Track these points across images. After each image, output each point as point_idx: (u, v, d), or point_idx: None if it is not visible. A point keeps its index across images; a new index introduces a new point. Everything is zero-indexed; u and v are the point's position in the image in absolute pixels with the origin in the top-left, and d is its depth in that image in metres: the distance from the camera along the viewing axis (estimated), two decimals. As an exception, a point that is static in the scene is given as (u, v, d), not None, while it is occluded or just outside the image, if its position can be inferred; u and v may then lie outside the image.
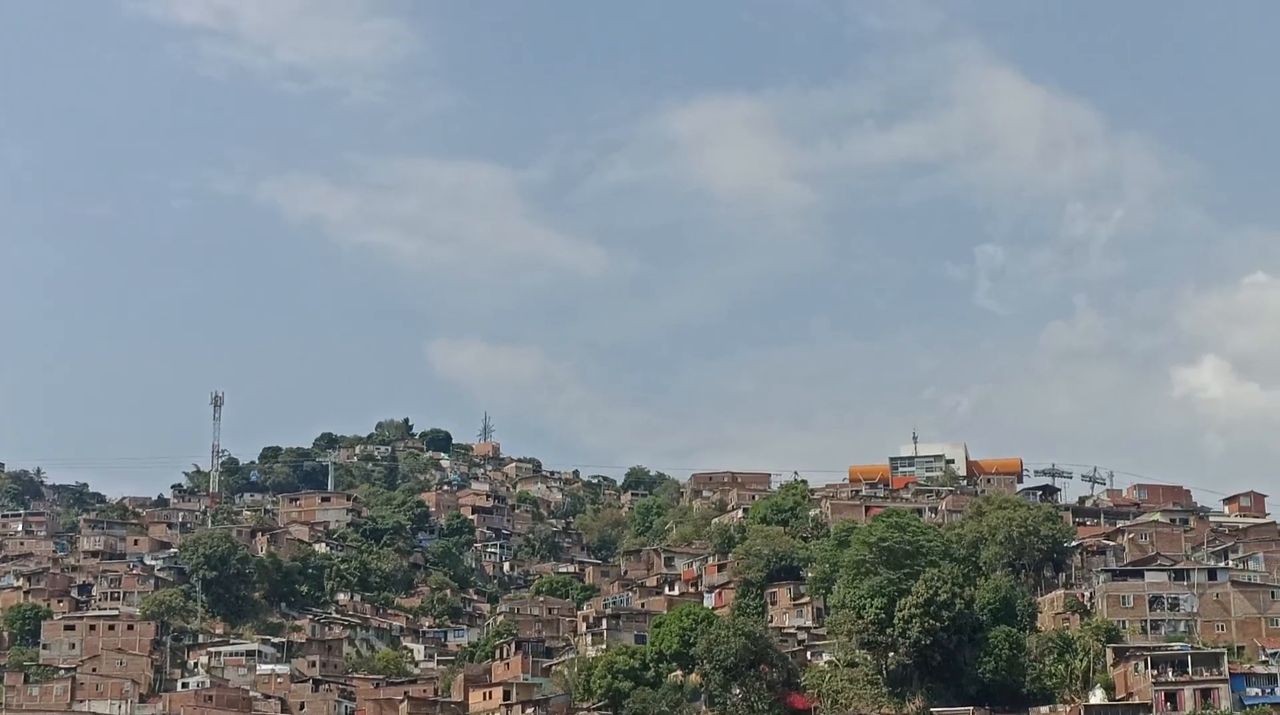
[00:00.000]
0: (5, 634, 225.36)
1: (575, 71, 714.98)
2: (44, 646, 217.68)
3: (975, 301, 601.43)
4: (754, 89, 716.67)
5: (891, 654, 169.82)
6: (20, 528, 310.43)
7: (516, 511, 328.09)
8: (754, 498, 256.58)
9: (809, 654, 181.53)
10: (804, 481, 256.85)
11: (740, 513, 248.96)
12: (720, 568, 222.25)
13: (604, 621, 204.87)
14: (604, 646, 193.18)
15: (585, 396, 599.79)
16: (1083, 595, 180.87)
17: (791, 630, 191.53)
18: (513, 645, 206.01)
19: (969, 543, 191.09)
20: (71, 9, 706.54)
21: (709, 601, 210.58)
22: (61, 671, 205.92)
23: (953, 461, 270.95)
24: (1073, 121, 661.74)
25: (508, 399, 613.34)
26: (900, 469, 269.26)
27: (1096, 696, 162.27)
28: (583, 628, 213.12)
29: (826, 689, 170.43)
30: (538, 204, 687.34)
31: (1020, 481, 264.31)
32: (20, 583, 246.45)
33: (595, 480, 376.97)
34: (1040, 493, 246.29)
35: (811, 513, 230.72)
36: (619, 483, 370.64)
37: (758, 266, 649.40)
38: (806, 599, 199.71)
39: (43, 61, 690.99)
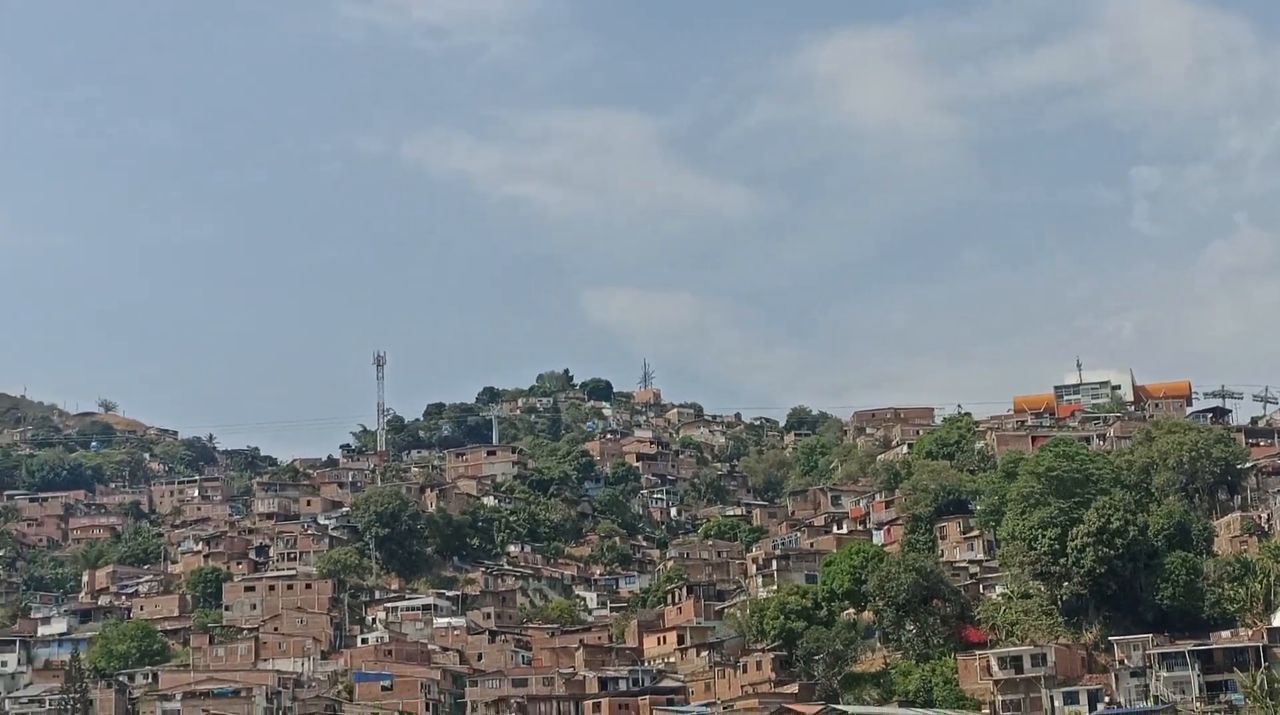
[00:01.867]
0: (189, 597, 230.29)
1: (710, 14, 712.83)
2: (226, 608, 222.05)
3: (1131, 224, 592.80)
4: (892, 19, 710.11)
5: (1065, 584, 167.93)
6: (196, 493, 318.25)
7: (680, 457, 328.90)
8: (918, 433, 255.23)
9: (981, 587, 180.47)
10: (968, 414, 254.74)
11: (905, 448, 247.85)
12: (888, 504, 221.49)
13: (774, 562, 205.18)
14: (775, 587, 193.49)
15: (740, 339, 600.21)
16: (1260, 517, 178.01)
17: (963, 564, 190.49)
18: (684, 590, 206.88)
19: (1139, 469, 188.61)
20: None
21: (878, 538, 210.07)
22: (244, 631, 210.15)
23: (1118, 387, 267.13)
24: (1224, 35, 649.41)
25: (664, 345, 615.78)
26: (1065, 397, 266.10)
27: (1279, 619, 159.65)
28: (753, 570, 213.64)
29: (1001, 621, 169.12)
30: (680, 149, 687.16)
31: (1189, 404, 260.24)
32: (200, 547, 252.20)
33: (757, 422, 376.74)
34: (1210, 415, 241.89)
35: (977, 445, 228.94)
36: (781, 424, 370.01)
37: (905, 200, 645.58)
38: (976, 532, 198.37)
39: (184, 36, 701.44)
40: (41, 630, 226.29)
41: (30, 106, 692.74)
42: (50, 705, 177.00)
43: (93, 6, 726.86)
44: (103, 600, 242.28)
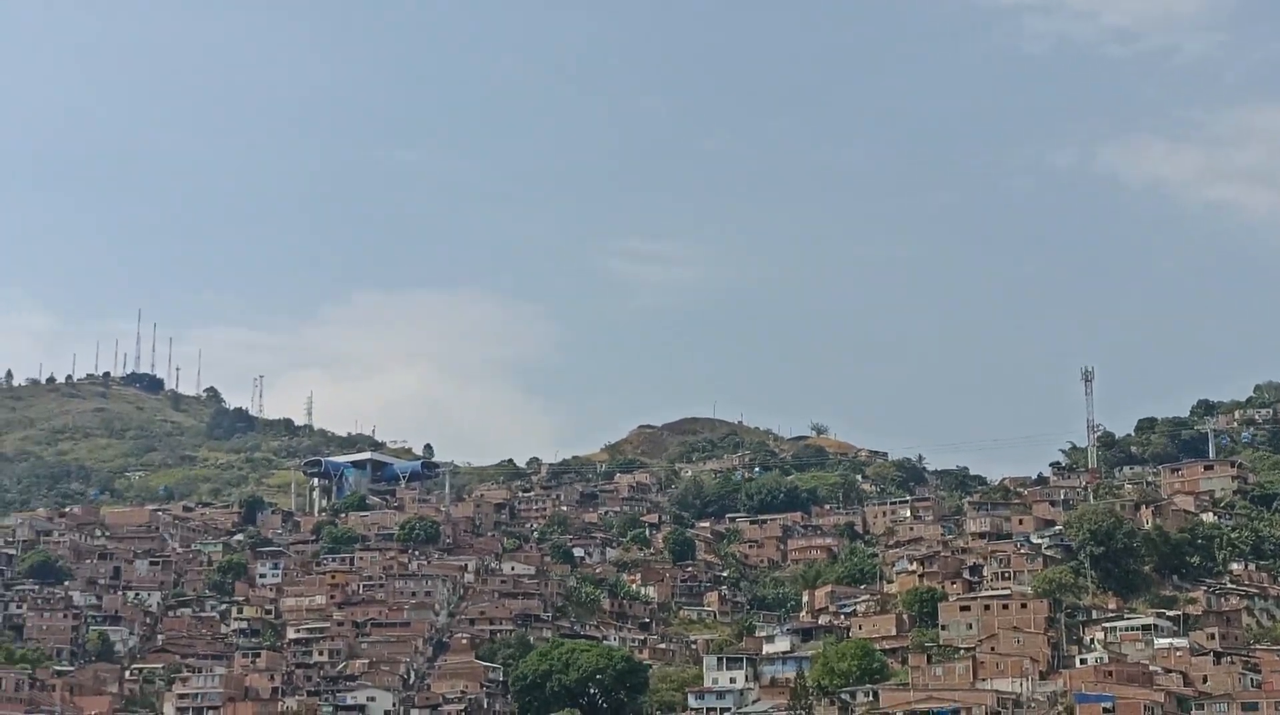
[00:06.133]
0: (905, 616, 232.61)
1: None
2: (942, 627, 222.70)
3: None
4: None
5: None
6: (909, 513, 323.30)
7: None
8: None
9: None
10: None
11: None
12: None
13: None
14: None
15: None
16: None
17: None
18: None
19: None
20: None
21: None
22: (961, 651, 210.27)
23: None
24: None
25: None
26: None
27: None
28: None
29: None
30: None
31: None
32: (914, 566, 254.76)
33: None
34: None
35: None
36: None
37: None
38: None
39: (869, 63, 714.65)
40: (766, 648, 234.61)
41: (723, 139, 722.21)
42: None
43: (769, 39, 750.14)
44: (822, 619, 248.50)
